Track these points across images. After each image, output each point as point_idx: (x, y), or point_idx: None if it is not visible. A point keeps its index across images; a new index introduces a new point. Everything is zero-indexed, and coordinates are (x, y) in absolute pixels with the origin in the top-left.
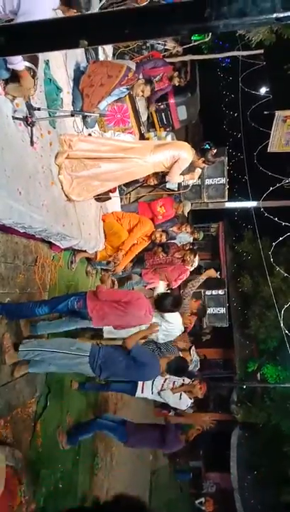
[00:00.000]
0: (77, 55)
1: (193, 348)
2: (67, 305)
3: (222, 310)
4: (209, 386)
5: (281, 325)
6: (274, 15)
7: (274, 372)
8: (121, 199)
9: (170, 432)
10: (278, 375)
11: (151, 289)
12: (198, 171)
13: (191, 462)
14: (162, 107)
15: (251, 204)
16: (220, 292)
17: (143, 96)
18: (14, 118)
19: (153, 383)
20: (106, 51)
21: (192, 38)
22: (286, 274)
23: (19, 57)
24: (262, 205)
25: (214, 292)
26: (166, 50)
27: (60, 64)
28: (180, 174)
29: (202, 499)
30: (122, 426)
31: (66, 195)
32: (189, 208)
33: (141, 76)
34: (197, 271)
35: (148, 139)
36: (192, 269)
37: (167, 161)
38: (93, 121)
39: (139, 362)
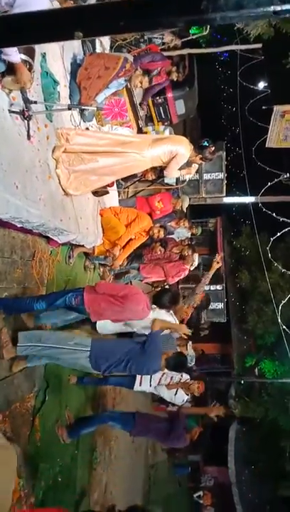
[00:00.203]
0: (74, 47)
1: (190, 343)
2: (65, 301)
3: (220, 305)
4: (207, 385)
5: (279, 320)
6: (272, 8)
7: (271, 368)
8: (119, 194)
9: (177, 428)
10: (276, 370)
11: (147, 283)
12: (195, 166)
13: (189, 456)
14: (160, 101)
15: (249, 199)
16: (218, 287)
17: (141, 87)
18: (10, 111)
19: (151, 376)
20: (103, 44)
21: (190, 31)
22: (283, 270)
23: (14, 49)
24: (260, 201)
25: (212, 287)
26: (164, 43)
27: (57, 57)
28: (178, 169)
29: (200, 493)
30: (129, 415)
31: (63, 190)
32: (187, 203)
33: (138, 67)
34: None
35: (146, 133)
36: (192, 268)
37: (165, 156)
38: (91, 115)
39: (145, 349)
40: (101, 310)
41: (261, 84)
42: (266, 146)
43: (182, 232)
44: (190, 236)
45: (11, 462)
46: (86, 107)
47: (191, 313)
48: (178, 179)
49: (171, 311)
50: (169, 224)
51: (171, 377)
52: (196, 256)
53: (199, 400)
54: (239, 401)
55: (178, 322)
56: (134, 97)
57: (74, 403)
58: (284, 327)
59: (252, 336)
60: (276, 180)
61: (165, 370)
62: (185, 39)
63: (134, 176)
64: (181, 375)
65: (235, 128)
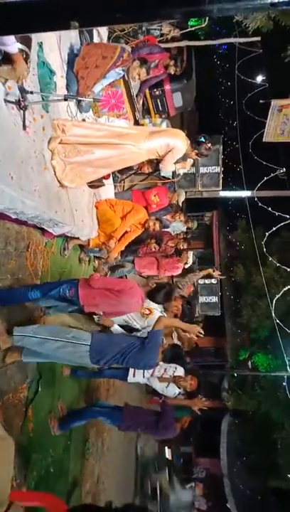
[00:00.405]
0: (71, 37)
1: (175, 333)
2: (59, 291)
3: (215, 299)
4: (200, 378)
5: (273, 314)
6: (269, 0)
7: (264, 361)
8: (115, 186)
9: (166, 418)
10: (269, 363)
11: (142, 276)
12: (190, 161)
13: (182, 448)
14: (157, 93)
15: (245, 193)
16: (213, 281)
17: (139, 79)
18: (6, 101)
19: None
20: (101, 34)
21: (189, 23)
22: (278, 264)
23: (12, 39)
24: (256, 195)
25: (207, 281)
26: (162, 35)
27: (54, 47)
28: (173, 163)
29: (192, 484)
30: (118, 410)
31: (59, 181)
32: (183, 197)
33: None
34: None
35: (142, 125)
36: (186, 266)
37: (161, 149)
38: (87, 106)
39: (144, 346)
40: (96, 302)
41: (260, 78)
42: (263, 140)
43: (177, 226)
44: (185, 230)
45: (9, 451)
46: (82, 98)
47: (182, 306)
48: (174, 172)
49: (162, 309)
50: (165, 217)
51: (165, 369)
52: (191, 254)
53: (191, 392)
54: (232, 394)
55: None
56: (131, 89)
57: (67, 395)
58: (278, 321)
59: (246, 329)
60: (272, 174)
61: (160, 362)
62: (184, 31)
63: (130, 168)
64: (175, 368)
65: (232, 122)
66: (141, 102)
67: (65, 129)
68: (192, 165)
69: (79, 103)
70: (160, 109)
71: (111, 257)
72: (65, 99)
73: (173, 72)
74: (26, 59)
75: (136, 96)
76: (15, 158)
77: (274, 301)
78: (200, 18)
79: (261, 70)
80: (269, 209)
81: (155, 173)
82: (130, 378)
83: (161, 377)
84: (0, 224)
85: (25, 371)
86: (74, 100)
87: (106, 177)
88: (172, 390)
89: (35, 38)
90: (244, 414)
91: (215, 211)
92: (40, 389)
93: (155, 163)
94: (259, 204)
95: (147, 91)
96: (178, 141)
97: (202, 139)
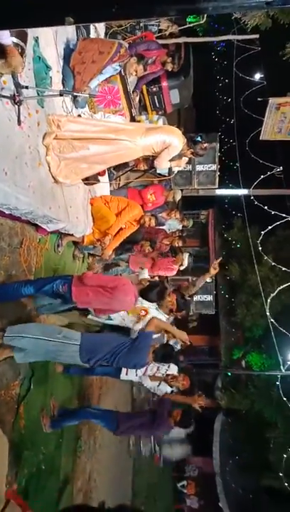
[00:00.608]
0: (68, 32)
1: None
2: (52, 287)
3: (209, 297)
4: (193, 377)
5: (267, 313)
6: None
7: (258, 360)
8: (111, 184)
9: (161, 414)
10: (263, 363)
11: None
12: (185, 159)
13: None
14: (154, 89)
15: (241, 192)
16: (208, 280)
17: (136, 75)
18: (1, 96)
19: None
20: (98, 30)
21: (187, 19)
22: (273, 263)
23: (6, 32)
24: (253, 194)
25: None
26: (160, 31)
27: (50, 42)
28: (168, 160)
29: (184, 482)
30: (111, 414)
31: (53, 177)
32: (179, 196)
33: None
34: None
35: (139, 121)
36: (182, 268)
37: (157, 146)
38: (83, 102)
39: (135, 346)
40: (89, 299)
41: (258, 76)
42: (261, 138)
43: (173, 224)
44: (181, 228)
45: (3, 450)
46: (78, 94)
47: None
48: (170, 169)
49: (156, 306)
50: (160, 215)
51: (158, 368)
52: (186, 256)
53: (185, 390)
54: (225, 393)
55: (165, 317)
56: (128, 85)
57: (59, 392)
58: (272, 320)
59: (240, 328)
60: (269, 173)
61: (152, 361)
62: (182, 27)
63: (126, 165)
64: (168, 366)
65: (230, 119)
66: (137, 98)
67: (60, 125)
68: (189, 163)
69: (75, 98)
70: (157, 105)
71: (106, 253)
72: (61, 95)
73: (170, 69)
74: (22, 53)
75: (133, 92)
76: (9, 153)
77: (269, 300)
78: (198, 15)
79: (260, 68)
80: (265, 208)
81: (151, 171)
82: (123, 376)
83: (153, 376)
84: None
85: (18, 368)
86: (70, 96)
87: (102, 174)
88: (163, 389)
89: (31, 32)
90: (237, 413)
91: (211, 209)
92: (32, 386)
93: (150, 161)
94: (256, 202)
95: (144, 87)
96: (175, 139)
97: (199, 139)
